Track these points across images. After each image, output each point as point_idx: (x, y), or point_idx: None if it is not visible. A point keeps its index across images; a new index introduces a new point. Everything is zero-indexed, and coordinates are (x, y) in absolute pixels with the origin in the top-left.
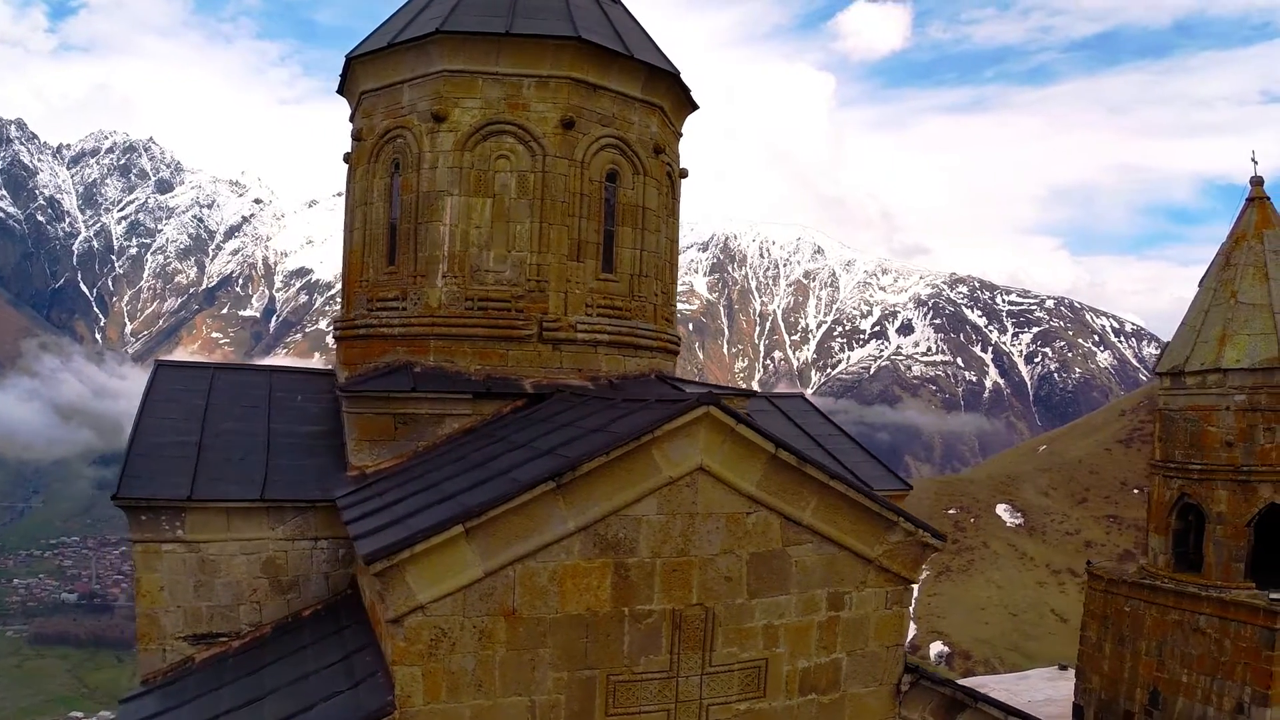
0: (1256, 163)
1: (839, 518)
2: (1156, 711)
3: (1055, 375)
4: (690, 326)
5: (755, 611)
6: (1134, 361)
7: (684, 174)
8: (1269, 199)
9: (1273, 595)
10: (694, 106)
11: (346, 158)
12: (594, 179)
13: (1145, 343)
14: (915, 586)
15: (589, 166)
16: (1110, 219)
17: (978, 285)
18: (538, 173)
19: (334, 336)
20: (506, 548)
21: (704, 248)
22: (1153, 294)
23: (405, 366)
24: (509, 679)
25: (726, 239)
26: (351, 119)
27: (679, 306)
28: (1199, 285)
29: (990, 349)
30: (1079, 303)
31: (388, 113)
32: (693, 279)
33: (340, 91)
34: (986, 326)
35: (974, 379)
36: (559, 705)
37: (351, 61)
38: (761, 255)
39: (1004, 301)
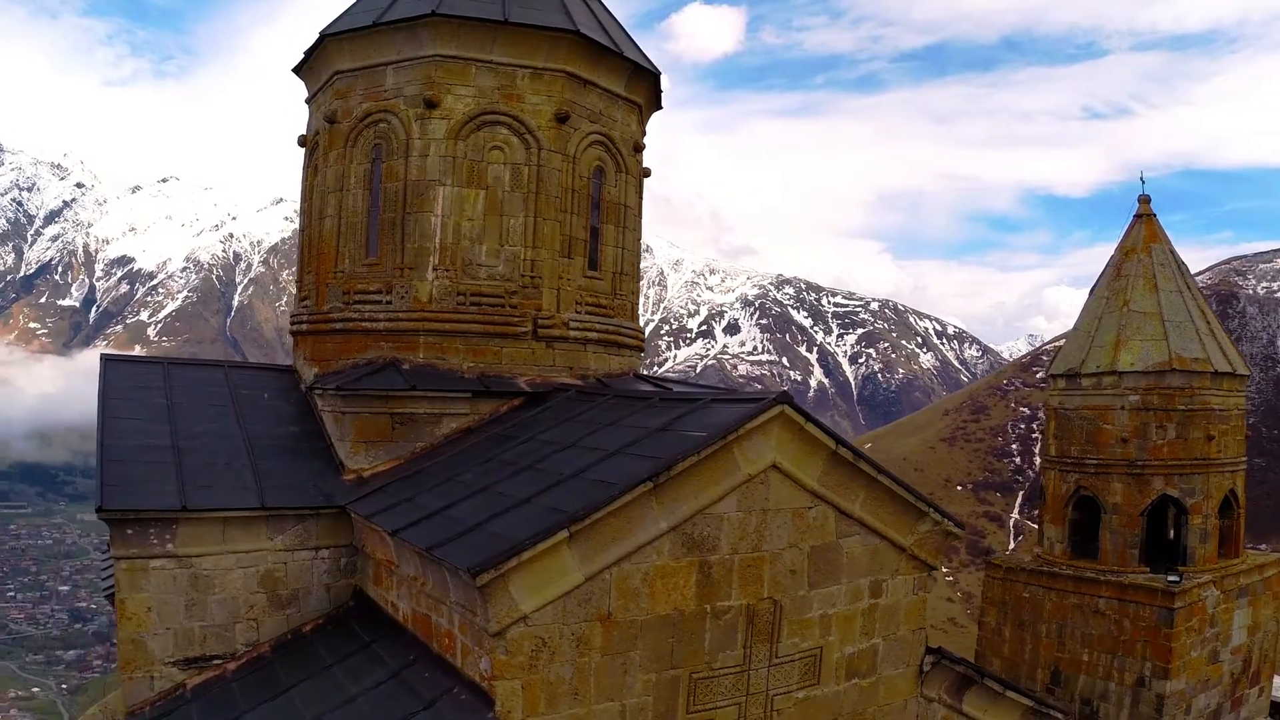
0: (1144, 181)
1: (881, 510)
2: (1058, 689)
3: (879, 375)
4: None
5: (814, 602)
6: (955, 363)
7: (647, 173)
8: (1155, 215)
9: (1170, 578)
10: (660, 106)
11: (302, 140)
12: (583, 175)
13: (966, 345)
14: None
15: (579, 162)
16: (934, 225)
17: (804, 286)
18: (532, 166)
19: (296, 330)
20: (604, 551)
21: None
22: (974, 298)
23: (392, 364)
24: (603, 685)
25: None
26: (311, 100)
27: None
28: (1090, 293)
29: (815, 349)
30: (902, 305)
31: (367, 95)
32: None
33: (298, 70)
34: (812, 327)
35: (799, 378)
36: (647, 708)
37: (326, 38)
38: None
39: (829, 303)
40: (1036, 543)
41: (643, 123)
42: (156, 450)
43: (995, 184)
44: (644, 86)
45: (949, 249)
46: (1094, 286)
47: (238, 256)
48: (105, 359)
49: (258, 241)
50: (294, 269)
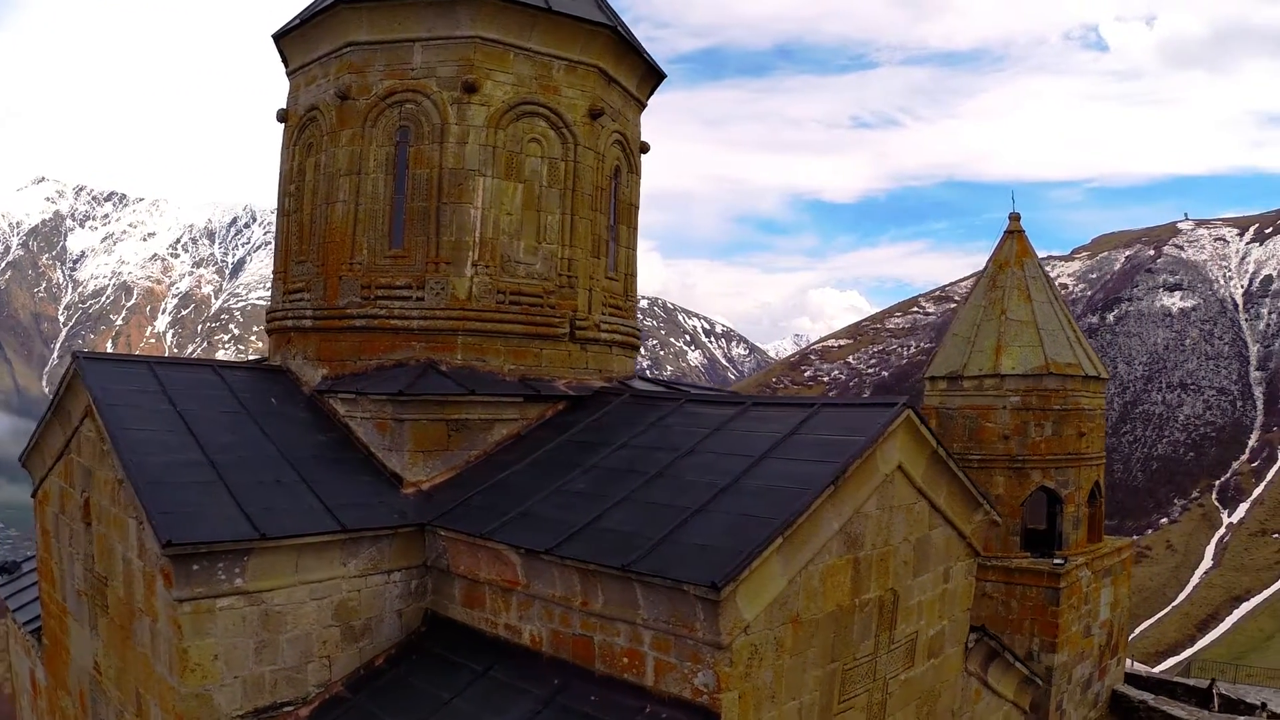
0: (1015, 199)
1: (955, 502)
2: None
3: (648, 372)
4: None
5: (914, 590)
6: (723, 360)
7: None
8: (1024, 232)
9: (1055, 561)
10: (645, 106)
11: (281, 115)
12: (607, 174)
13: (734, 343)
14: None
15: (605, 160)
16: (702, 226)
17: None
18: (569, 162)
19: (293, 326)
20: (797, 554)
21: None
22: (740, 298)
23: (429, 365)
24: (789, 684)
25: None
26: (300, 70)
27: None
28: (964, 302)
29: None
30: (671, 303)
31: (389, 72)
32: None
33: (284, 35)
34: None
35: None
36: (815, 702)
37: (340, 4)
38: None
39: None
40: None
41: None
42: (192, 467)
43: (763, 187)
44: (649, 87)
45: (717, 249)
46: (968, 295)
47: None
48: (81, 357)
49: (17, 223)
50: (54, 253)
